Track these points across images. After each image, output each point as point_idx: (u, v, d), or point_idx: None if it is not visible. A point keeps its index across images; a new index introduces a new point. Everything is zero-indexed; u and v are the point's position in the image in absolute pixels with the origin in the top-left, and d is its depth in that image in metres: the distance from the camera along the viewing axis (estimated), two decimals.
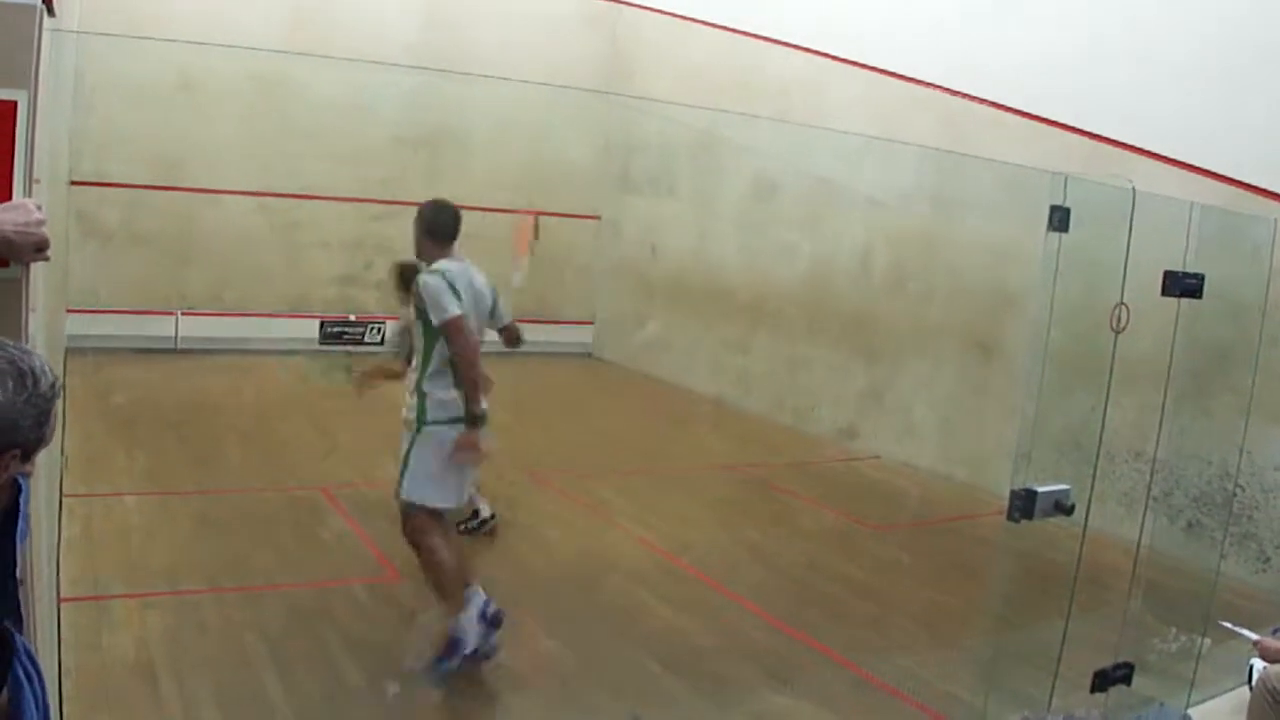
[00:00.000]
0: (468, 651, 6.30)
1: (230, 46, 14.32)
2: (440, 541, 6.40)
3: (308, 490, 9.64)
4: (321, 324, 16.41)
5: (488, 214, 16.95)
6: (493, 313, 6.83)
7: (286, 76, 15.62)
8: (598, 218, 18.51)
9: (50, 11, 3.47)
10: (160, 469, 9.92)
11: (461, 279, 6.48)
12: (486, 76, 15.84)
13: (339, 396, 10.58)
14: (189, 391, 13.13)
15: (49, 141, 4.47)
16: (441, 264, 6.54)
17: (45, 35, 3.02)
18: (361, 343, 16.54)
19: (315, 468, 10.35)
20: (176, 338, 15.35)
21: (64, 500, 8.19)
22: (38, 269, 2.92)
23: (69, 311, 13.38)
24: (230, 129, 15.52)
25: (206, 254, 15.60)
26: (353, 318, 16.62)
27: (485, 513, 8.91)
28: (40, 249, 2.67)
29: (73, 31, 9.63)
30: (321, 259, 16.44)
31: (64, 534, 7.59)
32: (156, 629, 6.48)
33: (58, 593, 6.57)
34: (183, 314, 15.45)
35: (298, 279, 16.28)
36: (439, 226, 6.76)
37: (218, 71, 15.17)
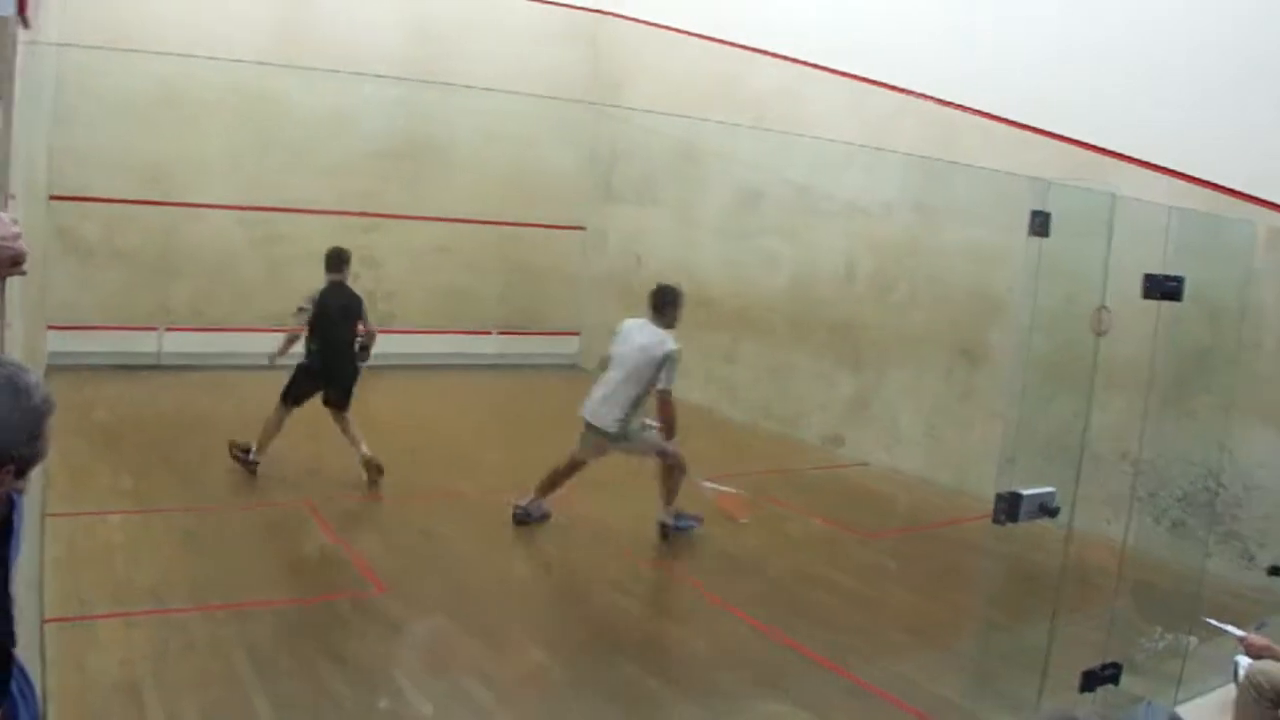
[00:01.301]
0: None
1: (213, 59, 14.29)
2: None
3: (292, 505, 9.61)
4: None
5: (468, 225, 17.00)
6: (659, 369, 9.05)
7: (269, 89, 15.57)
8: (583, 228, 18.50)
9: (24, 23, 3.45)
10: (144, 486, 9.86)
11: (625, 332, 9.40)
12: (470, 88, 15.84)
13: (325, 411, 10.57)
14: (172, 407, 13.08)
15: (26, 155, 4.46)
16: (627, 321, 9.50)
17: (20, 47, 3.00)
18: None
19: (300, 483, 10.32)
20: (159, 353, 15.29)
21: (47, 519, 8.18)
22: (12, 283, 2.91)
23: (50, 328, 13.36)
24: (213, 142, 15.45)
25: (189, 269, 15.54)
26: None
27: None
28: (16, 263, 2.65)
29: (52, 44, 9.61)
30: (305, 273, 16.35)
31: (48, 553, 7.57)
32: (142, 648, 6.43)
33: (41, 613, 6.55)
34: (166, 329, 15.39)
35: (281, 293, 16.17)
36: (652, 298, 9.32)
37: (200, 84, 15.06)
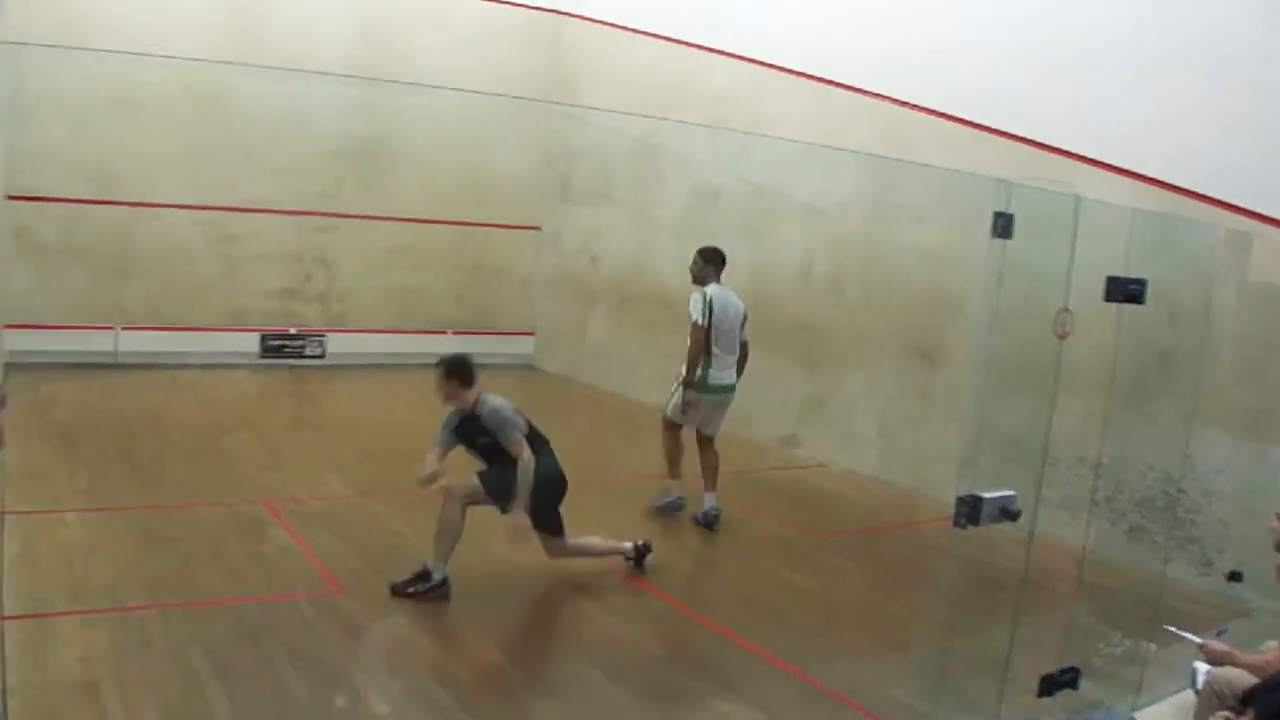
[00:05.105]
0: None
1: (167, 57, 14.21)
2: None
3: (250, 504, 9.55)
4: (262, 337, 16.31)
5: (423, 225, 16.97)
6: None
7: (223, 88, 15.52)
8: (538, 228, 18.49)
9: None
10: (102, 485, 9.81)
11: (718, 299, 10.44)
12: (424, 86, 15.80)
13: (282, 410, 10.50)
14: (129, 406, 13.01)
15: None
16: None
17: None
18: (302, 355, 16.45)
19: (258, 482, 10.28)
20: (116, 352, 15.22)
21: (4, 517, 8.10)
22: None
23: (7, 327, 13.26)
24: (167, 142, 15.39)
25: (145, 268, 15.49)
26: (293, 330, 16.52)
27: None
28: None
29: (7, 43, 9.51)
30: (260, 272, 16.34)
31: (5, 551, 7.50)
32: (100, 646, 6.40)
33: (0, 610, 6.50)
34: (122, 328, 15.32)
35: (237, 292, 16.19)
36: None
37: (155, 84, 15.02)
